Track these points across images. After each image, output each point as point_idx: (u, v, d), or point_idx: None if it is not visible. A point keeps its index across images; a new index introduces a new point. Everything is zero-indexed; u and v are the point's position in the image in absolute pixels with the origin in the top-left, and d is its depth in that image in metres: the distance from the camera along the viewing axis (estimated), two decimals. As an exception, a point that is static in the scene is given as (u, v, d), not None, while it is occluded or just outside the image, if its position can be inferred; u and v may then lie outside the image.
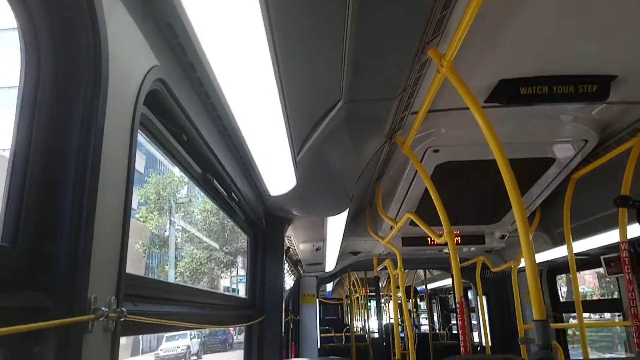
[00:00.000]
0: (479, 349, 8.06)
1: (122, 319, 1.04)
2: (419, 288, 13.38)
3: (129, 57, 1.12)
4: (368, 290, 12.67)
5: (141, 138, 1.35)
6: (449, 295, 13.70)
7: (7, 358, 0.85)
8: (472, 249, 5.58)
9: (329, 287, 14.62)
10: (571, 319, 6.50)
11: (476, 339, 9.45)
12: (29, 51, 0.90)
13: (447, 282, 11.39)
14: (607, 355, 13.86)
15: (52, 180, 0.91)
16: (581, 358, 3.68)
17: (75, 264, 0.89)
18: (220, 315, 2.59)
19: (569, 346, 6.40)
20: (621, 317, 5.27)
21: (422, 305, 16.74)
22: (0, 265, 0.81)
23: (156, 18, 1.25)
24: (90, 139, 0.93)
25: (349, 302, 13.83)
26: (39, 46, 0.91)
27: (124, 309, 1.04)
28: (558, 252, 5.19)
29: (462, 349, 3.21)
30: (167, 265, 22.56)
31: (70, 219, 0.90)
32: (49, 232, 0.89)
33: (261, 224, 3.42)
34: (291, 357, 6.35)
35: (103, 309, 0.95)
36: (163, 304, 1.68)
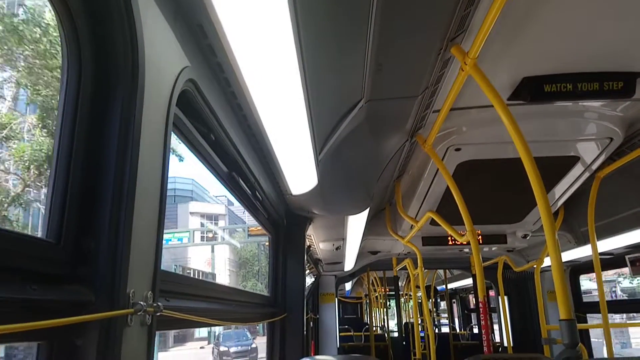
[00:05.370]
0: (500, 349, 7.98)
1: (158, 314, 1.08)
2: (439, 287, 13.29)
3: (163, 58, 1.15)
4: (387, 290, 12.60)
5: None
6: (470, 295, 13.59)
7: (53, 350, 0.89)
8: (494, 248, 5.52)
9: (348, 286, 14.59)
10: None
11: (495, 339, 9.35)
12: (71, 54, 0.94)
13: (468, 281, 11.28)
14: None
15: (94, 178, 0.95)
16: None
17: (115, 259, 0.92)
18: (244, 312, 2.63)
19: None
20: None
21: (442, 304, 16.61)
22: (46, 259, 0.85)
23: (188, 20, 1.28)
24: (128, 139, 0.97)
25: (368, 301, 13.81)
26: (81, 49, 0.95)
27: (159, 303, 1.08)
28: (581, 252, 5.11)
29: (485, 348, 3.19)
30: None
31: (110, 215, 0.93)
32: (91, 228, 0.93)
33: (282, 222, 3.44)
34: (312, 355, 6.38)
35: (141, 303, 0.98)
36: (192, 300, 1.71)
